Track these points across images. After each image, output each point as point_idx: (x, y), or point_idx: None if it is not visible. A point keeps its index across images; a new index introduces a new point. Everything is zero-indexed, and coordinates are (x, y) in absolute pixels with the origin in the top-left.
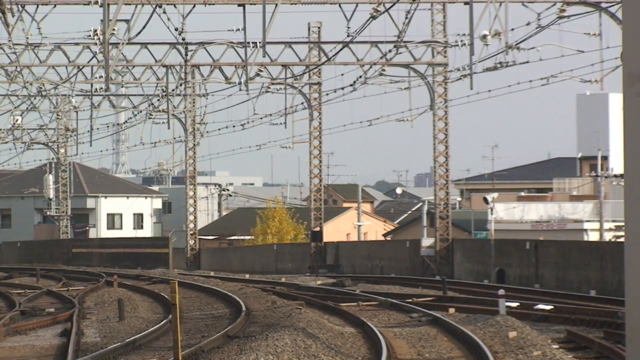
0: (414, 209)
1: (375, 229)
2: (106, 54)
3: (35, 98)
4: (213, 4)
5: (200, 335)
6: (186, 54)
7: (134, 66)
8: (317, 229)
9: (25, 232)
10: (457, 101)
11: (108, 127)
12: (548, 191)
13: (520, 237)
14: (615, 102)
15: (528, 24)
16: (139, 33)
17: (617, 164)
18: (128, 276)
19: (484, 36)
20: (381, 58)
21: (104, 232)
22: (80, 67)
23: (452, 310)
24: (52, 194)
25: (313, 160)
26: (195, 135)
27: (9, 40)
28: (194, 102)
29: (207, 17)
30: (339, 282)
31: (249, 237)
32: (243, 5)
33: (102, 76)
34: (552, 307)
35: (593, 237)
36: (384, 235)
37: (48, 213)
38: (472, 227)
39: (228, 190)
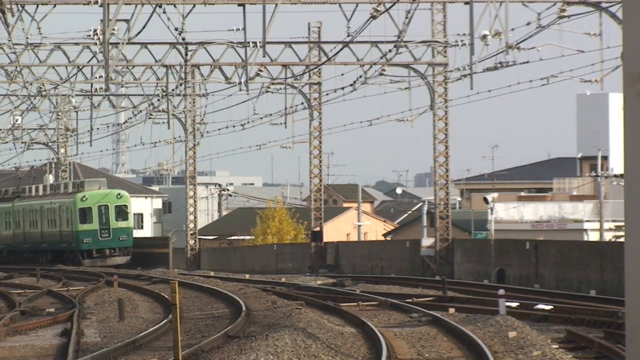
0: (414, 209)
1: (375, 229)
2: (106, 53)
3: (35, 98)
4: (213, 4)
5: (201, 335)
6: (186, 54)
7: (134, 66)
8: (317, 229)
9: None
10: (457, 101)
11: (108, 127)
12: (548, 191)
13: (520, 237)
14: (615, 102)
15: (528, 23)
16: (139, 33)
17: (617, 164)
18: (128, 276)
19: (484, 36)
20: (381, 58)
21: None
22: (80, 67)
23: (452, 310)
24: None
25: (313, 160)
26: (195, 135)
27: (9, 40)
28: (194, 102)
29: (207, 17)
30: (339, 282)
31: (249, 237)
32: (243, 5)
33: (102, 76)
34: (552, 307)
35: (593, 237)
36: (384, 235)
37: None
38: (472, 227)
39: (228, 190)
